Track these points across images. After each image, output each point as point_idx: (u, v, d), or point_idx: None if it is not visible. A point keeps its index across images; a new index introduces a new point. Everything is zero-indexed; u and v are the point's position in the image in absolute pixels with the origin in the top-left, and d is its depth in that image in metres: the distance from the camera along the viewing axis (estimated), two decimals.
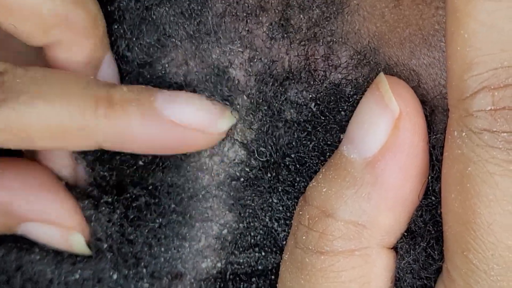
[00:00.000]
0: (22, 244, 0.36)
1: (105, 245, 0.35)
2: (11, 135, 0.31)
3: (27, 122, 0.31)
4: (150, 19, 0.33)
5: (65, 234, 0.35)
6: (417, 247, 0.30)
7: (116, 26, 0.34)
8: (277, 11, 0.32)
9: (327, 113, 0.32)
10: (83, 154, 0.36)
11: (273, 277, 0.34)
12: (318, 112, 0.32)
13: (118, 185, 0.35)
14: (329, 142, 0.32)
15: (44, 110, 0.31)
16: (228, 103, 0.33)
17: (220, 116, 0.33)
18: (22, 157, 0.37)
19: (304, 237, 0.30)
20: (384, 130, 0.29)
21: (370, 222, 0.29)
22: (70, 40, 0.33)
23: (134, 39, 0.33)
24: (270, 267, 0.34)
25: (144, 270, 0.35)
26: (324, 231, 0.29)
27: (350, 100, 0.31)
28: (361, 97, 0.31)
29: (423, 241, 0.30)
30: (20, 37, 0.33)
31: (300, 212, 0.30)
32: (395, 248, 0.30)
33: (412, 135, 0.29)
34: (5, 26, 0.32)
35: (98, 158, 0.35)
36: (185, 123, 0.32)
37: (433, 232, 0.30)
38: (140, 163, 0.35)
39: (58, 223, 0.35)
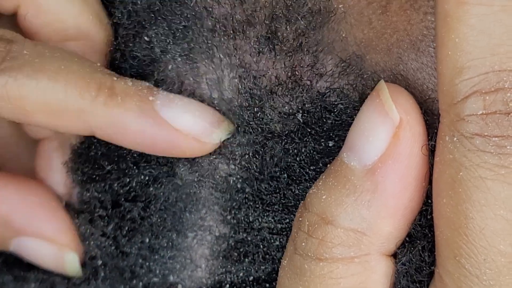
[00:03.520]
0: (18, 272, 0.36)
1: (100, 262, 0.35)
2: (7, 103, 0.31)
3: (25, 94, 0.30)
4: (143, 35, 0.33)
5: (59, 252, 0.36)
6: (412, 249, 0.30)
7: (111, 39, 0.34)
8: (264, 24, 0.32)
9: (313, 122, 0.32)
10: (78, 173, 0.35)
11: (267, 285, 0.34)
12: (305, 122, 0.32)
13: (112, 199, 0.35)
14: (318, 151, 0.32)
15: (45, 85, 0.31)
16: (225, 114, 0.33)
17: (217, 126, 0.32)
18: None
19: (303, 244, 0.30)
20: (384, 138, 0.29)
21: (370, 229, 0.29)
22: (80, 53, 0.34)
23: (128, 52, 0.33)
24: (264, 276, 0.34)
25: (140, 283, 0.35)
26: (324, 238, 0.29)
27: (335, 109, 0.31)
28: (346, 106, 0.31)
29: (420, 244, 0.30)
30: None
31: (300, 219, 0.30)
32: (394, 255, 0.30)
33: (412, 143, 0.29)
34: (26, 25, 0.33)
35: (92, 178, 0.35)
36: (181, 128, 0.32)
37: (429, 235, 0.30)
38: (134, 183, 0.34)
39: (52, 240, 0.35)
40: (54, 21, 0.33)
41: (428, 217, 0.29)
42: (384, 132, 0.29)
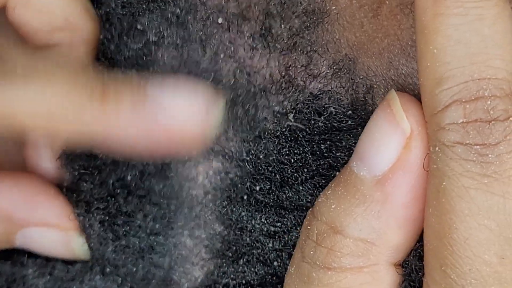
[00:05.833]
0: (16, 258, 0.36)
1: (96, 255, 0.36)
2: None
3: (17, 106, 0.30)
4: (137, 26, 0.33)
5: (66, 237, 0.36)
6: (415, 256, 0.30)
7: (104, 30, 0.34)
8: (258, 20, 0.32)
9: (305, 124, 0.32)
10: (71, 167, 0.36)
11: None
12: (296, 122, 0.32)
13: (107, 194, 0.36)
14: (313, 153, 0.32)
15: (37, 96, 0.30)
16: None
17: (211, 108, 0.31)
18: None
19: (312, 252, 0.30)
20: (395, 148, 0.28)
21: (379, 239, 0.29)
22: (68, 44, 0.34)
23: (121, 44, 0.34)
24: (259, 279, 0.34)
25: (135, 279, 0.35)
26: (333, 248, 0.29)
27: (325, 112, 0.31)
28: (337, 110, 0.31)
29: (420, 250, 0.30)
30: (25, 34, 0.34)
31: (308, 227, 0.30)
32: (402, 264, 0.30)
33: (423, 154, 0.28)
34: (15, 18, 0.33)
35: (86, 173, 0.35)
36: (177, 113, 0.31)
37: None
38: (129, 177, 0.35)
39: (57, 225, 0.35)
40: (42, 13, 0.33)
41: None
42: (395, 142, 0.28)
